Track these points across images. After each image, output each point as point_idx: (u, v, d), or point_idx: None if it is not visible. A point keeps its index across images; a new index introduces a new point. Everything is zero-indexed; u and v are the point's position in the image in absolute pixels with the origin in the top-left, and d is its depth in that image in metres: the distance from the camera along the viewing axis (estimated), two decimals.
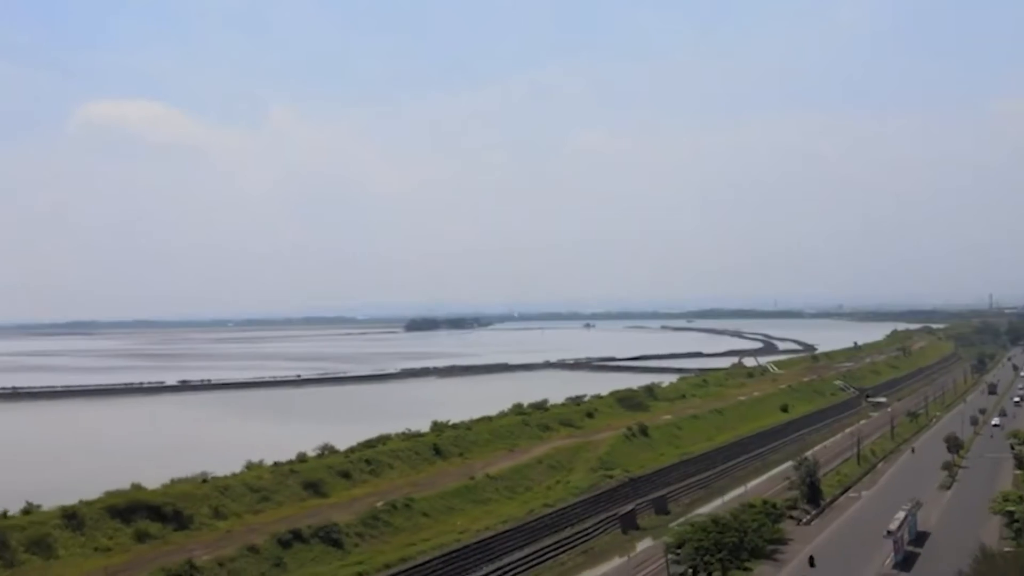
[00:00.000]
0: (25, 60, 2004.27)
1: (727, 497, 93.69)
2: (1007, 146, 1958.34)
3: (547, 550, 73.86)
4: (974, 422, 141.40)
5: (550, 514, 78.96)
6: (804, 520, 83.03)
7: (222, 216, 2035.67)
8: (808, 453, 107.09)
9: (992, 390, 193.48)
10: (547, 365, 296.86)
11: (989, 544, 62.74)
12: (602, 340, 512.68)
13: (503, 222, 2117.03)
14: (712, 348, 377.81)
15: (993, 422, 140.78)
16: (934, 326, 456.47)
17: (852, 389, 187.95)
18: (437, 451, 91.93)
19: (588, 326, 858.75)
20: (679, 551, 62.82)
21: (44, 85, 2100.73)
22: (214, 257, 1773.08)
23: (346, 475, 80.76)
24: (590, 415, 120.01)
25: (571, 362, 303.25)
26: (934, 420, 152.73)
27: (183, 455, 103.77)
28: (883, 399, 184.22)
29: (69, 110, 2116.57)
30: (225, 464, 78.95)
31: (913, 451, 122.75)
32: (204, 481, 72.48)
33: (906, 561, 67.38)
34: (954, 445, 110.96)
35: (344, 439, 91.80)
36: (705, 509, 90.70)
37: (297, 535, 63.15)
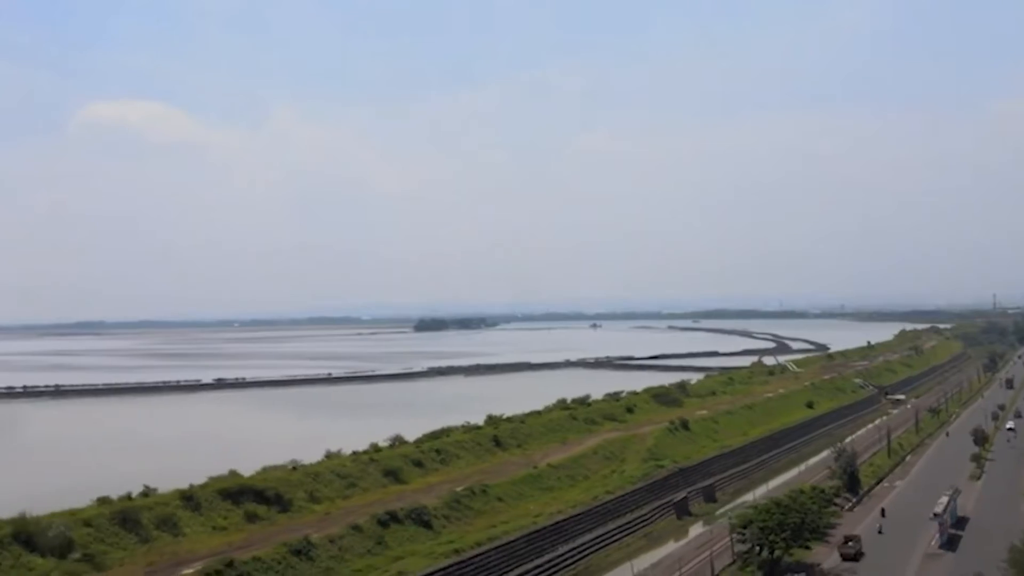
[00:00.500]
0: (27, 60, 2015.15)
1: (772, 484, 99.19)
2: (1007, 146, 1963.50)
3: (612, 533, 79.41)
4: (995, 417, 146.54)
5: (611, 500, 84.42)
6: (847, 507, 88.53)
7: (223, 216, 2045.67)
8: (845, 444, 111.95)
9: (1009, 385, 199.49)
10: (568, 364, 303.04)
11: None
12: (612, 340, 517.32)
13: (504, 222, 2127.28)
14: (725, 348, 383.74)
15: (1008, 425, 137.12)
16: (941, 326, 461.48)
17: (871, 386, 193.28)
18: (497, 442, 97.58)
19: (595, 326, 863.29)
20: (744, 531, 68.10)
21: (47, 85, 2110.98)
22: (215, 257, 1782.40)
23: (419, 464, 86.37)
24: (629, 410, 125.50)
25: (591, 361, 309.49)
26: (953, 416, 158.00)
27: (251, 447, 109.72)
28: (901, 396, 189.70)
29: (71, 110, 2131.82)
30: (294, 454, 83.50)
31: (948, 435, 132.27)
32: (294, 469, 77.99)
33: (950, 542, 72.98)
34: (980, 438, 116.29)
35: (391, 432, 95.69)
36: (749, 497, 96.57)
37: (393, 516, 68.70)
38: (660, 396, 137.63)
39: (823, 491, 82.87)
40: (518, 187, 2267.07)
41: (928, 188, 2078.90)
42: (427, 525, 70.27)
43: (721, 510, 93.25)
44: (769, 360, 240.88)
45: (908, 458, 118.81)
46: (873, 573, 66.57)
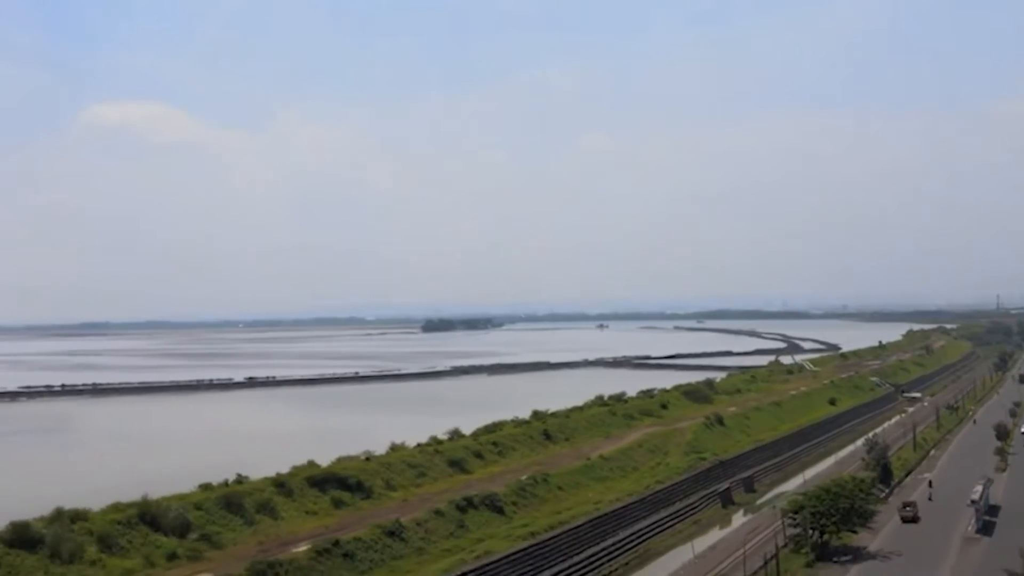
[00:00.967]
0: (29, 61, 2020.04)
1: (807, 475, 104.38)
2: (1007, 146, 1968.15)
3: (664, 520, 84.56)
4: (1013, 414, 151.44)
5: (662, 490, 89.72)
6: (882, 496, 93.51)
7: (223, 216, 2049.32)
8: (877, 436, 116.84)
9: (1022, 379, 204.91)
10: (586, 363, 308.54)
11: None
12: (623, 340, 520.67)
13: (504, 222, 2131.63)
14: (737, 348, 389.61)
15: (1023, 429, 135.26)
16: (947, 326, 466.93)
17: (887, 385, 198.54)
18: (547, 436, 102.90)
19: (601, 327, 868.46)
20: (795, 516, 73.14)
21: (48, 86, 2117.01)
22: (215, 257, 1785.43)
23: (479, 455, 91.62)
24: (664, 406, 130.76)
25: (610, 360, 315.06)
26: (971, 413, 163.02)
27: (308, 440, 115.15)
28: (917, 394, 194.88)
29: (73, 111, 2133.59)
30: (353, 447, 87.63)
31: (975, 422, 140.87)
32: (367, 459, 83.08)
33: (986, 528, 77.99)
34: (1003, 433, 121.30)
35: (434, 428, 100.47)
36: (786, 487, 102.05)
37: (469, 502, 73.87)
38: (690, 393, 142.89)
39: (863, 480, 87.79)
40: (518, 187, 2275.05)
41: (928, 188, 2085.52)
42: (499, 510, 75.43)
43: (761, 500, 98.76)
44: (786, 359, 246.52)
45: (932, 452, 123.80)
46: (929, 531, 73.75)
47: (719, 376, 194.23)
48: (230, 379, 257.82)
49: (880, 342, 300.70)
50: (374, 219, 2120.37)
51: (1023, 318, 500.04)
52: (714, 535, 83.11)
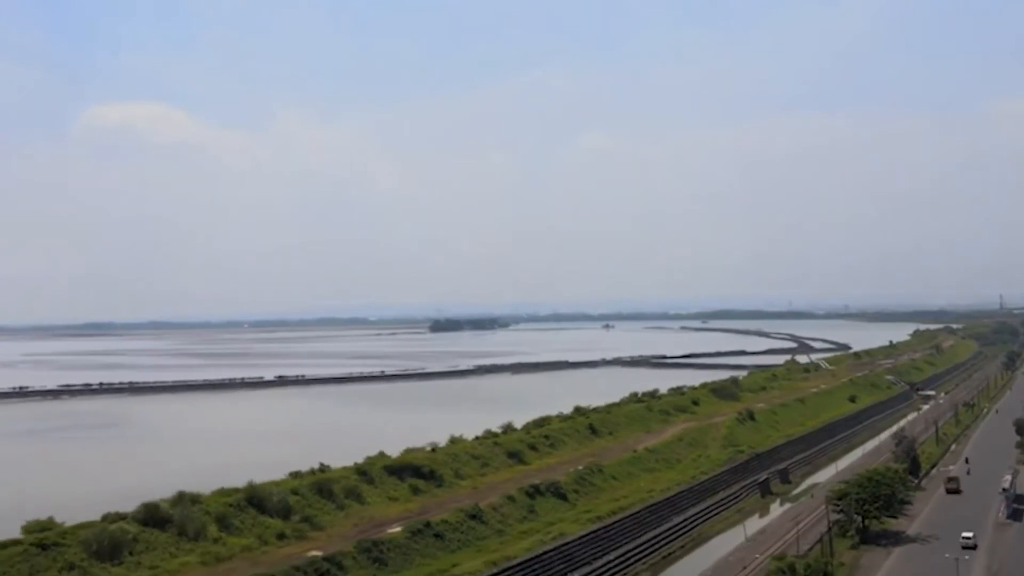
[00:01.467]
0: (30, 62, 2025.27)
1: (839, 466, 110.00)
2: (1007, 146, 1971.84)
3: (711, 508, 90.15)
4: None
5: (707, 480, 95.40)
6: (913, 484, 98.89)
7: (224, 217, 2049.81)
8: (899, 431, 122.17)
9: None
10: (604, 363, 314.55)
11: None
12: (631, 340, 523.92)
13: (505, 223, 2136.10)
14: (749, 348, 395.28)
15: None
16: (953, 326, 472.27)
17: (902, 383, 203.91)
18: (593, 430, 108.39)
19: (607, 327, 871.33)
20: (839, 502, 78.55)
21: (50, 87, 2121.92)
22: (217, 258, 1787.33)
23: (533, 447, 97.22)
24: (695, 402, 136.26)
25: (627, 359, 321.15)
26: (986, 409, 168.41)
27: (361, 434, 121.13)
28: (931, 392, 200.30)
29: (75, 112, 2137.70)
30: (406, 440, 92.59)
31: (997, 411, 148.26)
32: (433, 450, 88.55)
33: (1015, 514, 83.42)
34: (1021, 428, 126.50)
35: (472, 424, 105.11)
36: (818, 479, 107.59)
37: (537, 489, 79.52)
38: (718, 391, 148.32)
39: (897, 471, 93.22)
40: (519, 187, 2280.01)
41: (928, 188, 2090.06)
42: (563, 497, 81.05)
43: (797, 490, 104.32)
44: (802, 358, 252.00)
45: (953, 447, 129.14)
46: (963, 516, 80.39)
47: (736, 375, 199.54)
48: (260, 378, 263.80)
49: (891, 342, 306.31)
50: (375, 219, 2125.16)
51: None
52: (757, 522, 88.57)
